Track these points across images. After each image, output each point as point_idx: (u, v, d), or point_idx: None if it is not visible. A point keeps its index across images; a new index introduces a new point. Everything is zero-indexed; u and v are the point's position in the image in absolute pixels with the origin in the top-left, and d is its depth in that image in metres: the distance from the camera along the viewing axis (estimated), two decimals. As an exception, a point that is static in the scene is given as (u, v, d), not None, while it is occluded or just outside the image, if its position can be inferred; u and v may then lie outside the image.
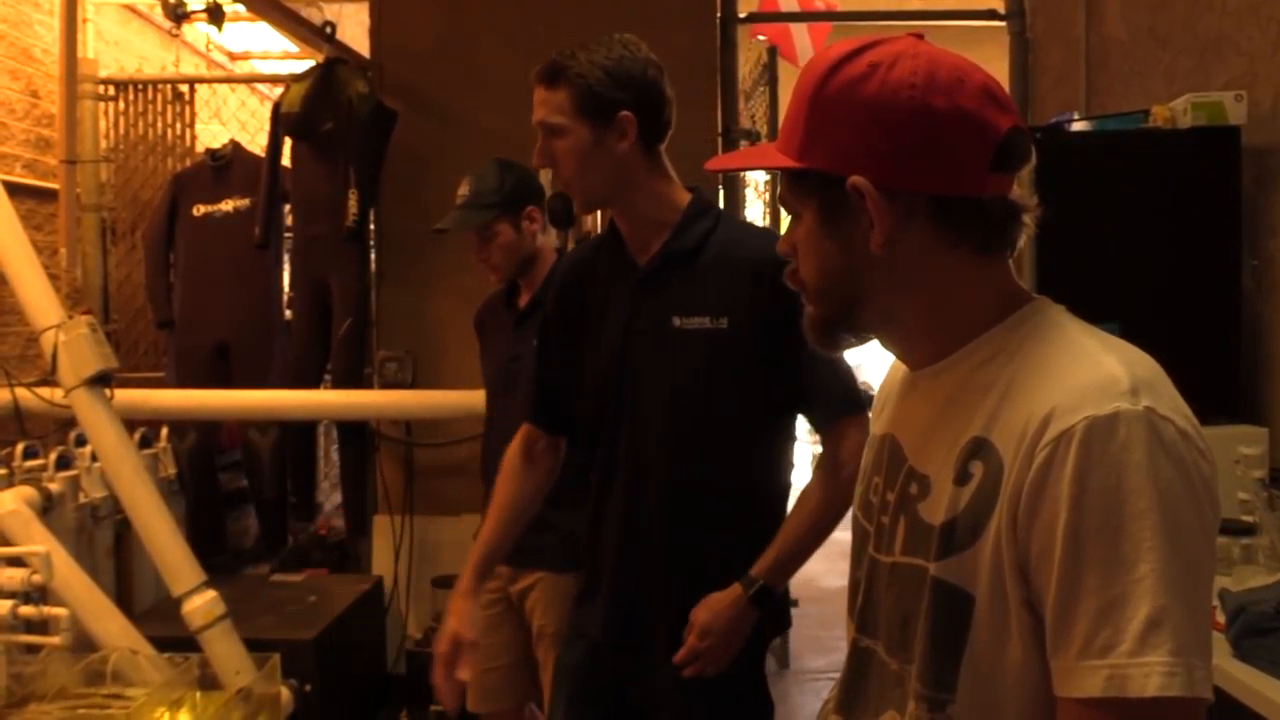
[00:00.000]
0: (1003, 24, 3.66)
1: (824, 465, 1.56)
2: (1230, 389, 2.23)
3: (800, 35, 5.16)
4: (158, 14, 3.91)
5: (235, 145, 3.62)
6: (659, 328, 1.54)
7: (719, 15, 3.56)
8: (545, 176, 2.85)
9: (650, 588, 1.56)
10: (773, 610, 1.54)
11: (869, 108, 0.81)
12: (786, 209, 0.90)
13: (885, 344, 0.92)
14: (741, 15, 3.69)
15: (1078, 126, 2.51)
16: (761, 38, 4.52)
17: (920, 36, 0.85)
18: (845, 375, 1.56)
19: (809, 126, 0.84)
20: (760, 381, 1.52)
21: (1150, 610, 0.70)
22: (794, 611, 3.90)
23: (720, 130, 3.54)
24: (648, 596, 1.56)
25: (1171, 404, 0.76)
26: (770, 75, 3.97)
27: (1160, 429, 0.73)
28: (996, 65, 3.70)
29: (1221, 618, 1.53)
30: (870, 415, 1.04)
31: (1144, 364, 0.78)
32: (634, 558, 1.57)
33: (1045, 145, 2.25)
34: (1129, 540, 0.71)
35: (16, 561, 2.09)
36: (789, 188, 0.88)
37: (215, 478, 3.55)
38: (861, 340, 0.91)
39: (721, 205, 3.58)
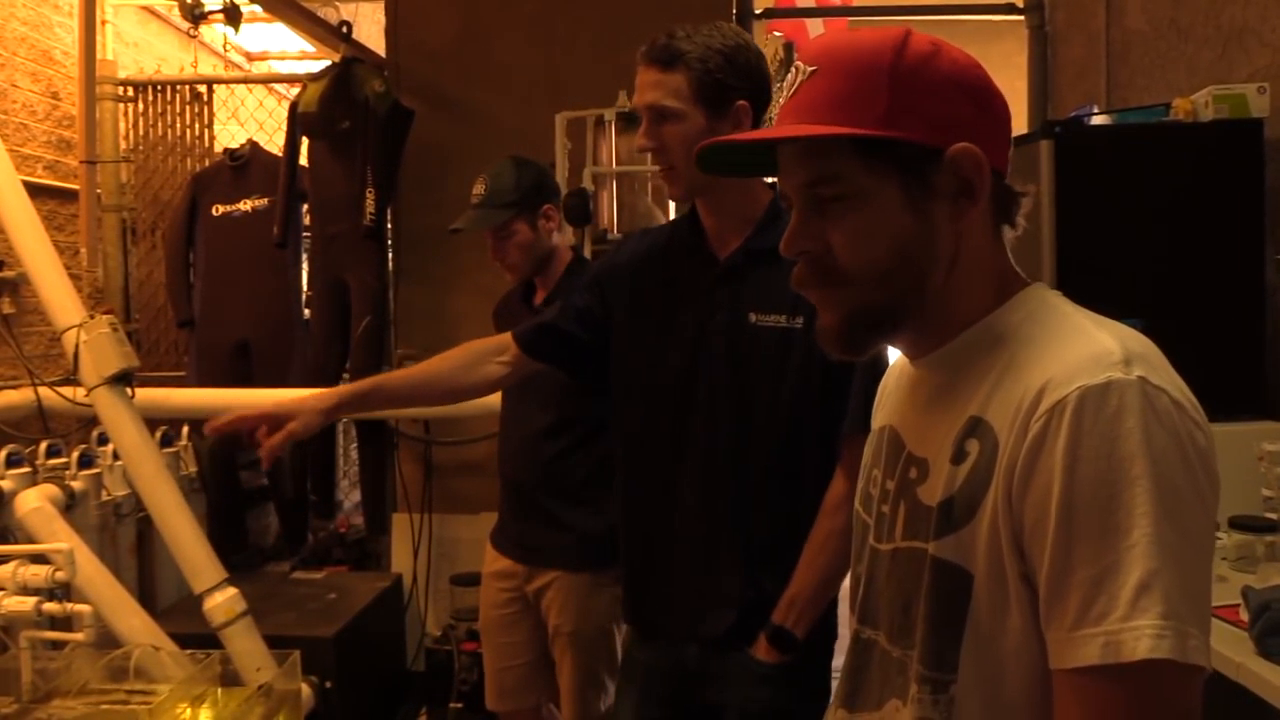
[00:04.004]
0: (1021, 18, 3.64)
1: (836, 489, 1.52)
2: (1254, 385, 2.20)
3: (816, 31, 5.14)
4: (176, 15, 3.94)
5: (253, 145, 3.64)
6: (735, 323, 1.54)
7: (735, 11, 3.55)
8: (560, 174, 2.86)
9: (723, 579, 1.56)
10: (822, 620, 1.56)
11: (955, 80, 0.81)
12: (820, 193, 0.82)
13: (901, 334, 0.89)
14: (757, 11, 3.68)
15: (1098, 120, 2.48)
16: (778, 33, 4.50)
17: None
18: (871, 392, 1.55)
19: (894, 95, 0.79)
20: (821, 381, 1.52)
21: (1141, 574, 0.69)
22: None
23: (737, 126, 3.53)
24: (718, 587, 1.56)
25: (1166, 376, 0.75)
26: (787, 70, 3.96)
27: (1154, 398, 0.73)
28: (1016, 59, 3.68)
29: (1245, 615, 1.51)
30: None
31: (1137, 339, 0.78)
32: (707, 550, 1.57)
33: (1066, 139, 2.24)
34: (1122, 508, 0.71)
35: (40, 559, 2.11)
36: (845, 165, 0.80)
37: (236, 476, 3.57)
38: (894, 336, 0.87)
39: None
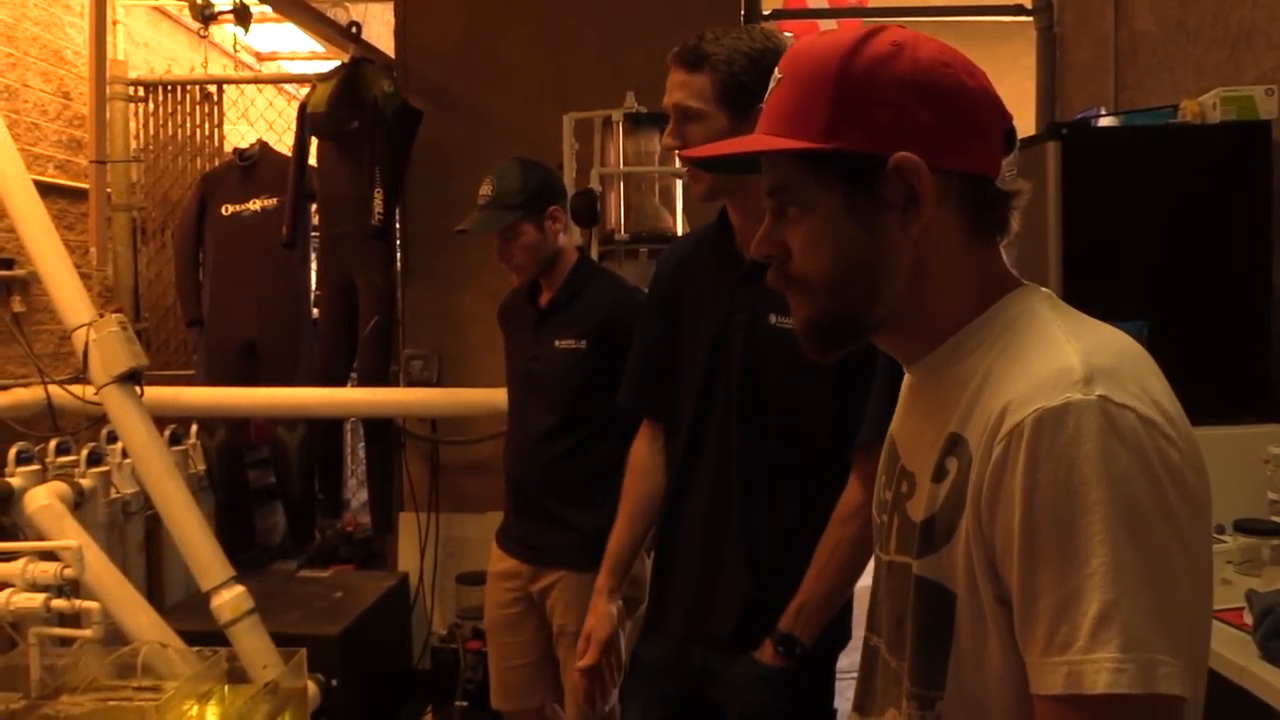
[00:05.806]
0: (1030, 19, 3.63)
1: (850, 496, 1.51)
2: (1260, 387, 2.20)
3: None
4: (186, 16, 3.96)
5: (263, 145, 3.65)
6: (755, 324, 1.54)
7: (743, 12, 3.55)
8: (568, 175, 2.86)
9: (728, 579, 1.56)
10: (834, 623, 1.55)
11: (908, 84, 0.78)
12: (780, 200, 0.84)
13: (882, 341, 0.88)
14: (766, 12, 3.68)
15: (1106, 122, 2.47)
16: (789, 34, 4.50)
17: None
18: (889, 402, 1.54)
19: (836, 105, 0.78)
20: (837, 388, 1.51)
21: (1100, 605, 0.68)
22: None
23: (744, 127, 3.53)
24: (725, 588, 1.57)
25: (1135, 391, 0.72)
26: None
27: (1115, 418, 0.70)
28: (1025, 60, 3.67)
29: (1249, 618, 1.51)
30: None
31: (1109, 351, 0.75)
32: (715, 549, 1.58)
33: (1073, 141, 2.23)
34: (1081, 534, 0.69)
35: (49, 556, 2.12)
36: (793, 176, 0.82)
37: (244, 474, 3.59)
38: (861, 343, 0.87)
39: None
